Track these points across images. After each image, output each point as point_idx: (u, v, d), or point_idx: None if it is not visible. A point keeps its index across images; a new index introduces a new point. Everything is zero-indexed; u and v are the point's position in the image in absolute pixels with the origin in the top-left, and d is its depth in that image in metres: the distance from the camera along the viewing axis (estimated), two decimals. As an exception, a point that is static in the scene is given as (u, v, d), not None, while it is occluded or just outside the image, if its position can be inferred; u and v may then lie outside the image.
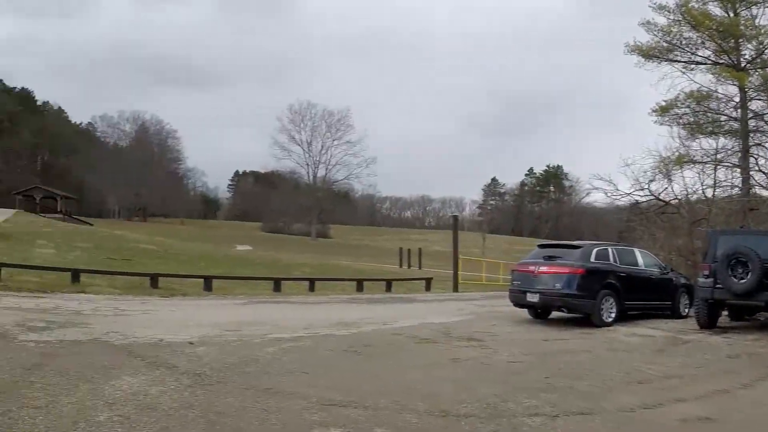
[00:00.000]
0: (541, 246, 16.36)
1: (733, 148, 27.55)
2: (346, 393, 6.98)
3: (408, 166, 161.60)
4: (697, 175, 26.13)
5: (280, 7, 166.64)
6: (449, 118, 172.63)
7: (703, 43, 27.47)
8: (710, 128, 28.05)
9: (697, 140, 27.89)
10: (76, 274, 17.11)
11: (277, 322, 12.52)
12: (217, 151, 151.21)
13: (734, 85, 27.07)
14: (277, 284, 20.90)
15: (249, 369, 7.99)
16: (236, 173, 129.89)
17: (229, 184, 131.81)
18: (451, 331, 12.43)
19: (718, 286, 13.29)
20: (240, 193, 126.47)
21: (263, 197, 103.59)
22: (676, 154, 26.65)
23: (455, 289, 26.91)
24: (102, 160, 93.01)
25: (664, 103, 28.18)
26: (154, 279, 18.26)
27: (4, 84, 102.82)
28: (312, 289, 21.91)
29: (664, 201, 26.63)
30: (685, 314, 16.01)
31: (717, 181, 26.22)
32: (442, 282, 28.50)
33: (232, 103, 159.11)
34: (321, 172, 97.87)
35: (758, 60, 26.87)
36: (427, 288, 26.26)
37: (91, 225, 47.45)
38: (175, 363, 7.98)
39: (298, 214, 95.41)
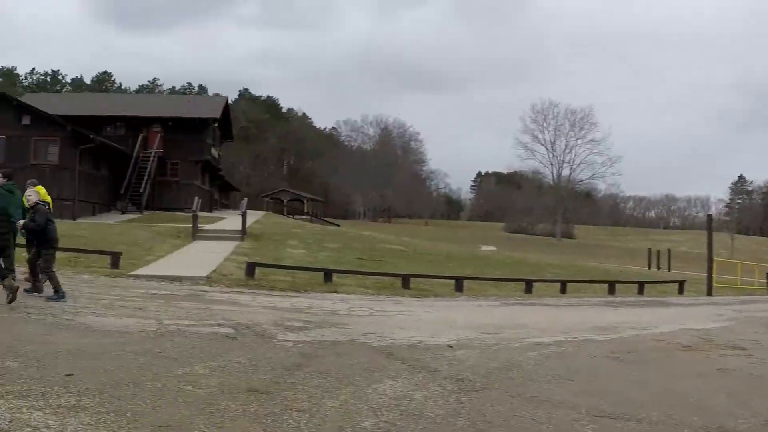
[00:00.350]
0: None
1: None
2: (614, 403, 6.39)
3: (650, 163, 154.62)
4: None
5: (514, 7, 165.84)
6: (692, 112, 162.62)
7: None
8: None
9: None
10: (328, 274, 17.56)
11: (533, 325, 12.16)
12: (458, 152, 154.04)
13: None
14: (528, 285, 20.59)
15: (512, 374, 7.55)
16: (478, 174, 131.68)
17: (472, 185, 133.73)
18: (713, 337, 11.60)
19: None
20: (482, 194, 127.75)
21: (506, 197, 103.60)
22: None
23: (709, 292, 25.53)
24: (346, 163, 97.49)
25: None
26: (405, 279, 18.36)
27: (251, 93, 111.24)
28: (563, 291, 21.36)
29: None
30: None
31: None
32: (694, 285, 27.19)
33: (471, 104, 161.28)
34: (565, 172, 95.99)
35: None
36: (680, 291, 25.27)
37: (338, 226, 49.39)
38: (436, 367, 7.69)
39: (542, 215, 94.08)
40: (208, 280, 15.71)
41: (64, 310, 9.57)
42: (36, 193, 11.11)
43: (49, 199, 12.06)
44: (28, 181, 12.29)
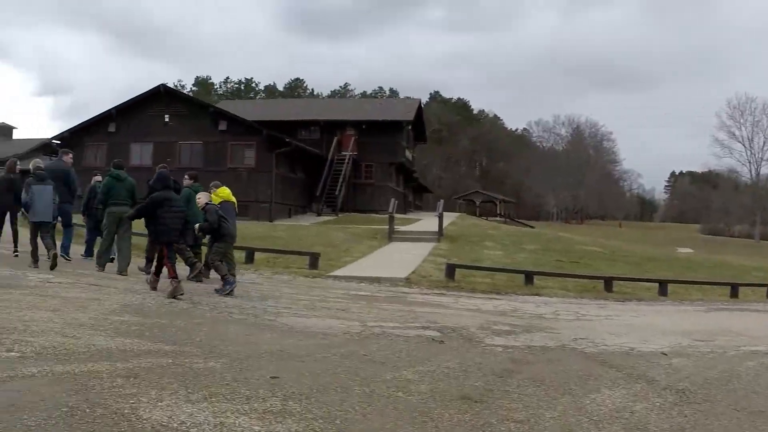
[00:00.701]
0: None
1: None
2: None
3: None
4: None
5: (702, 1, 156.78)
6: None
7: None
8: None
9: None
10: (529, 276, 16.91)
11: (745, 332, 11.16)
12: (652, 151, 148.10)
13: None
14: (734, 289, 19.13)
15: (732, 386, 6.74)
16: (672, 174, 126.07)
17: (666, 185, 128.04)
18: None
19: None
20: (677, 194, 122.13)
21: (701, 198, 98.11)
22: None
23: None
24: (538, 163, 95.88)
25: None
26: (608, 282, 17.44)
27: (442, 96, 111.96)
28: (772, 295, 19.55)
29: None
30: None
31: None
32: None
33: (664, 101, 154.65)
34: (764, 170, 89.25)
35: None
36: None
37: (532, 227, 48.43)
38: (653, 376, 6.93)
39: (739, 215, 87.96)
40: (408, 281, 15.47)
41: (266, 310, 9.45)
42: (206, 195, 11.56)
43: (233, 199, 12.82)
44: (212, 183, 12.89)
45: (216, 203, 12.03)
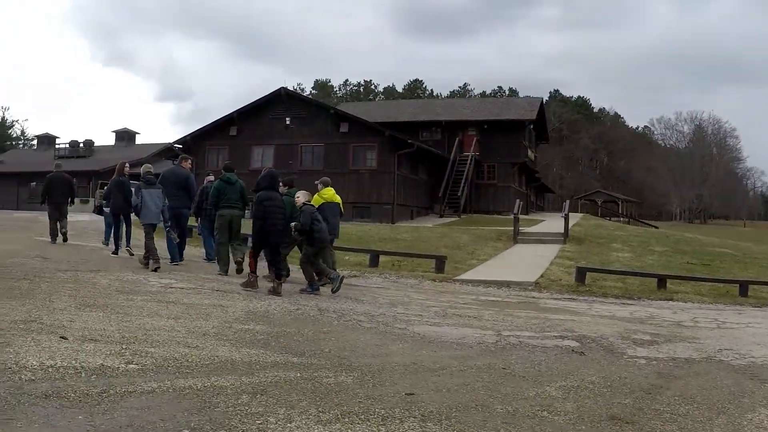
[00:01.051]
0: None
1: None
2: None
3: None
4: None
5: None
6: None
7: None
8: None
9: None
10: (662, 280, 15.99)
11: None
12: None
13: None
14: None
15: None
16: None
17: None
18: None
19: None
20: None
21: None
22: None
23: None
24: (660, 162, 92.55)
25: None
26: (743, 286, 16.24)
27: (561, 94, 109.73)
28: None
29: None
30: None
31: None
32: None
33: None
34: None
35: None
36: None
37: (656, 227, 46.49)
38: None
39: None
40: (537, 285, 14.85)
41: (396, 318, 9.03)
42: (304, 195, 11.42)
43: (338, 199, 12.84)
44: (319, 180, 13.01)
45: (319, 203, 12.22)
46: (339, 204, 12.93)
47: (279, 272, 10.71)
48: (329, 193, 12.73)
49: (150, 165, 13.77)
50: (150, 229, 12.77)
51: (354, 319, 8.69)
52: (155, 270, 11.93)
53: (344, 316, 8.86)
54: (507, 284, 14.68)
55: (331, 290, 10.94)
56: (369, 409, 4.66)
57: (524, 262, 18.58)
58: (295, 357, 6.12)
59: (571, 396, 5.57)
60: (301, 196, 11.33)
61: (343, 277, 11.34)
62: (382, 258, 17.25)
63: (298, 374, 5.47)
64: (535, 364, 6.68)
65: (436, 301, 11.54)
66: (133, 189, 13.59)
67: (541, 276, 15.94)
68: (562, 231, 24.77)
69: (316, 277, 11.31)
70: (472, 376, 5.97)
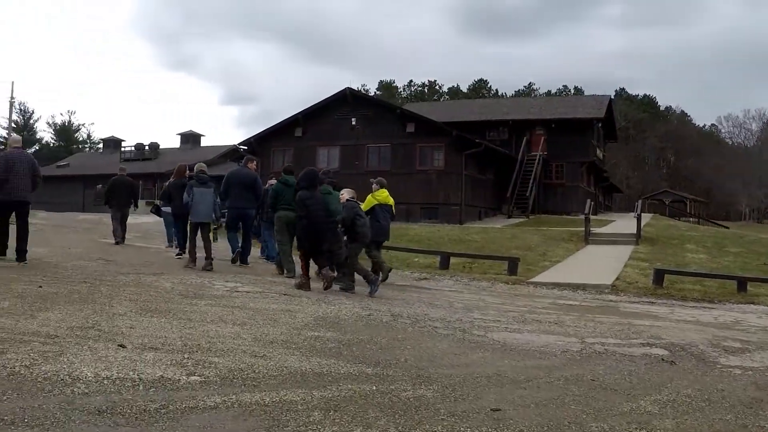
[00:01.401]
0: None
1: None
2: None
3: None
4: None
5: None
6: None
7: None
8: None
9: None
10: (742, 283, 15.20)
11: None
12: None
13: None
14: None
15: None
16: None
17: None
18: None
19: None
20: None
21: None
22: None
23: None
24: (728, 161, 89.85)
25: None
26: (830, 290, 15.43)
27: (627, 92, 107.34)
28: None
29: None
30: None
31: None
32: None
33: None
34: None
35: None
36: None
37: (727, 228, 44.94)
38: None
39: None
40: (613, 288, 14.24)
41: (473, 324, 8.53)
42: (349, 192, 11.42)
43: (391, 201, 12.92)
44: (376, 180, 13.02)
45: (372, 204, 12.45)
46: (392, 206, 12.93)
47: (326, 267, 10.68)
48: (383, 195, 12.70)
49: (204, 164, 13.83)
50: (200, 228, 12.89)
51: (429, 325, 8.22)
52: (207, 269, 12.17)
53: (419, 321, 8.40)
54: (582, 287, 14.13)
55: (342, 290, 10.84)
56: (453, 428, 4.23)
57: (597, 263, 17.96)
58: (369, 367, 5.70)
59: (669, 411, 5.08)
60: (345, 194, 11.33)
61: (379, 282, 11.08)
62: (452, 260, 16.87)
63: (374, 387, 5.04)
64: (625, 374, 6.17)
65: (512, 305, 11.05)
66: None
67: (617, 278, 15.32)
68: (634, 231, 24.00)
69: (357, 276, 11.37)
70: (560, 388, 5.51)
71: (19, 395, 4.11)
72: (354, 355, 6.12)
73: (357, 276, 11.27)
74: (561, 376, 5.95)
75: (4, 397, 4.04)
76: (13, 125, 69.42)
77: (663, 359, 7.06)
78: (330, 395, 4.72)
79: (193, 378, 4.84)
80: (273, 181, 14.72)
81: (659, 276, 14.73)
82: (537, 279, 15.03)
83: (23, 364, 4.78)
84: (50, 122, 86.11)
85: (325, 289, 10.32)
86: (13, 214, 11.36)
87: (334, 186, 12.23)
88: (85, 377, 4.60)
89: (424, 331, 7.82)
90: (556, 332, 8.35)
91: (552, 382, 5.72)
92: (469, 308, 10.12)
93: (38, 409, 3.89)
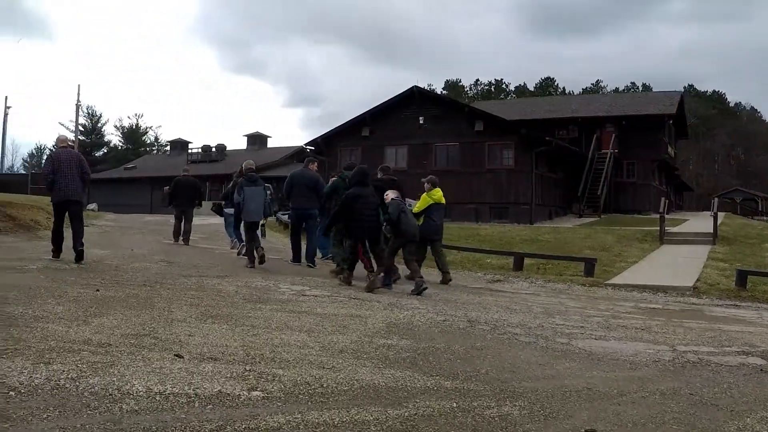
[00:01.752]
0: None
1: None
2: None
3: None
4: None
5: None
6: None
7: None
8: None
9: None
10: None
11: None
12: None
13: None
14: None
15: None
16: None
17: None
18: None
19: None
20: None
21: None
22: None
23: None
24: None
25: None
26: None
27: (696, 89, 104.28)
28: None
29: None
30: None
31: None
32: None
33: None
34: None
35: None
36: None
37: (801, 226, 43.15)
38: None
39: None
40: (695, 290, 13.49)
41: (556, 330, 7.99)
42: (393, 192, 11.41)
43: (443, 201, 12.91)
44: (427, 179, 13.06)
45: (428, 203, 12.55)
46: (444, 206, 12.98)
47: (374, 264, 10.81)
48: (438, 194, 12.71)
49: (252, 162, 14.05)
50: (251, 227, 12.88)
51: (509, 331, 7.70)
52: (250, 267, 12.41)
53: (497, 328, 7.90)
54: (663, 289, 13.44)
55: (411, 291, 10.62)
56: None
57: (675, 264, 17.17)
58: (447, 380, 5.23)
59: (778, 433, 4.61)
60: (390, 194, 11.32)
61: (426, 287, 10.72)
62: (526, 261, 16.38)
63: (454, 404, 4.57)
64: (724, 388, 5.64)
65: (594, 309, 10.47)
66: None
67: (698, 280, 14.54)
68: (710, 231, 23.02)
69: (392, 275, 11.54)
70: (657, 404, 5.03)
71: (61, 413, 3.76)
72: (430, 366, 5.69)
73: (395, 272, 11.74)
74: (656, 389, 5.47)
75: (45, 415, 3.69)
76: (80, 129, 71.15)
77: (762, 370, 6.50)
78: (407, 414, 4.28)
79: (254, 393, 4.44)
80: (335, 178, 14.65)
81: (742, 277, 13.89)
82: (615, 281, 14.39)
83: (69, 376, 4.44)
84: (118, 125, 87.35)
85: (369, 289, 10.30)
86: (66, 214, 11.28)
87: (393, 182, 12.30)
88: (136, 392, 4.22)
89: (503, 338, 7.33)
90: (644, 339, 7.77)
91: (647, 396, 5.24)
92: (549, 313, 9.58)
93: (80, 429, 3.53)
